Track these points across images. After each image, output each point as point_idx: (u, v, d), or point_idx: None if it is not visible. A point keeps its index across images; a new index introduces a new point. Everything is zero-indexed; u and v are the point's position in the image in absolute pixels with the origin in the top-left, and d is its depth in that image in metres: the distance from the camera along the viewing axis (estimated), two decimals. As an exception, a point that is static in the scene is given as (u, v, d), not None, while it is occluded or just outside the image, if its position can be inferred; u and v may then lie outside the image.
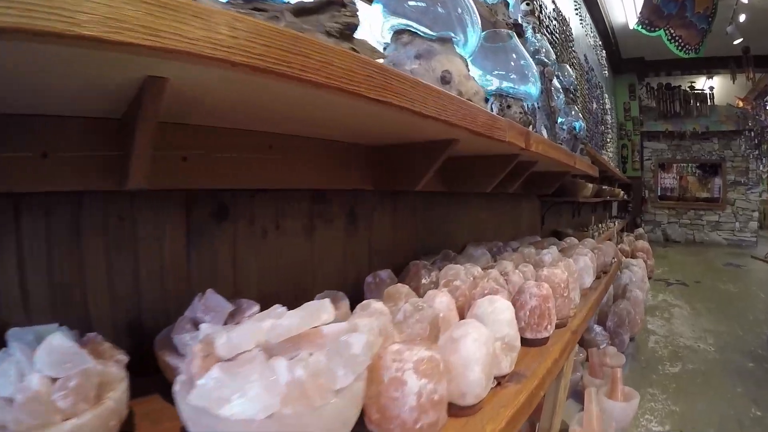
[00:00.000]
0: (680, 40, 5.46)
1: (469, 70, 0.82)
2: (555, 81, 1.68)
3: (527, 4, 2.40)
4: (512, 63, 1.17)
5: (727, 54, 6.17)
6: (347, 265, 1.01)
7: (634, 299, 2.35)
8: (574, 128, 1.77)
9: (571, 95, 1.86)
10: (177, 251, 0.69)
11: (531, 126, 1.18)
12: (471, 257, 1.20)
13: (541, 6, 2.86)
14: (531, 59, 1.22)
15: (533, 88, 1.18)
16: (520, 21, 1.96)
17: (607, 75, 6.45)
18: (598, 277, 1.44)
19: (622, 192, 5.39)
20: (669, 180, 8.30)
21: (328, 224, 0.96)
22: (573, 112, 1.79)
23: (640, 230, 5.89)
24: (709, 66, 7.12)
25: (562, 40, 3.45)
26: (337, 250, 0.99)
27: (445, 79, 0.73)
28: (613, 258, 2.01)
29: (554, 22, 3.24)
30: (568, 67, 1.93)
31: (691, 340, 2.64)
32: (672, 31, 5.38)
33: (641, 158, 8.09)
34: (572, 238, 1.90)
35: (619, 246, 4.28)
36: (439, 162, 0.87)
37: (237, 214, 0.77)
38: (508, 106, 1.11)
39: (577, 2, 4.30)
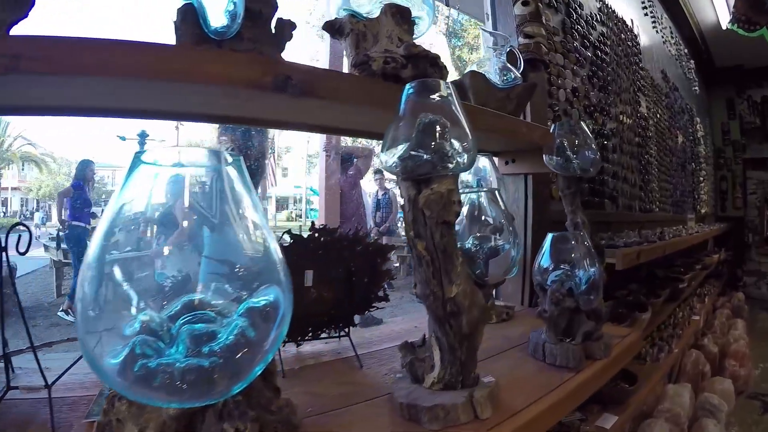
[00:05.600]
0: (789, 41, 4.06)
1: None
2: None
3: (524, 3, 1.39)
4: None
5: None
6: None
7: None
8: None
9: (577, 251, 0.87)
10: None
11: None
12: None
13: (569, 4, 1.79)
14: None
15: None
16: (496, 43, 0.99)
17: (697, 91, 5.00)
18: None
19: (718, 255, 4.00)
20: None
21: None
22: (574, 270, 0.76)
23: (740, 298, 4.39)
24: (821, 68, 5.32)
25: (618, 56, 2.30)
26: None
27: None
28: None
29: (600, 28, 2.12)
30: (582, 125, 0.92)
31: None
32: (777, 29, 3.99)
33: (744, 192, 6.37)
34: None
35: (704, 340, 3.00)
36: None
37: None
38: None
39: (646, -2, 3.09)
